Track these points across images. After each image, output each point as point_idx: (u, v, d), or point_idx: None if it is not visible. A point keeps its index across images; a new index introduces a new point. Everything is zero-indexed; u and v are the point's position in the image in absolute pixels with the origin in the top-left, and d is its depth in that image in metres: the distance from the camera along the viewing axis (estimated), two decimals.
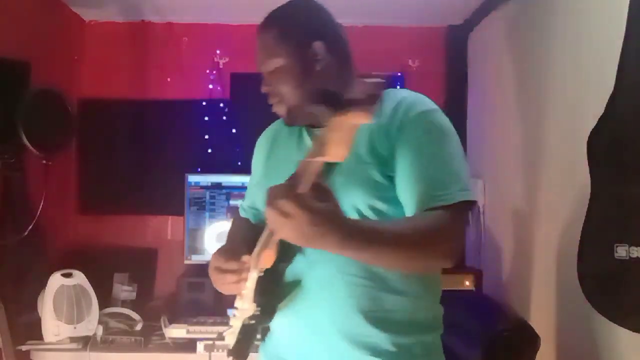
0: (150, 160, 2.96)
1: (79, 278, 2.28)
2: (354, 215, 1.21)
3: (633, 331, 1.42)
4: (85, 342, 2.22)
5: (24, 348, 2.18)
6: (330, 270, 1.23)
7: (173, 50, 3.01)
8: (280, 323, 1.29)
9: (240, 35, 3.00)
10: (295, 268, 1.26)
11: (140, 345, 2.24)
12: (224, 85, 3.01)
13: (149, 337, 2.30)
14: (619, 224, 1.35)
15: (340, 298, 1.24)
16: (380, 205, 1.22)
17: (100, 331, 2.25)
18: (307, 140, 1.36)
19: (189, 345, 2.21)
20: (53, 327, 2.20)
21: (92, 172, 2.96)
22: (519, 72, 2.39)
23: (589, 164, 1.45)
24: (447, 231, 1.15)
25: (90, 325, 2.25)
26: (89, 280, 2.31)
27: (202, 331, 2.21)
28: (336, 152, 0.93)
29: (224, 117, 2.98)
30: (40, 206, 2.30)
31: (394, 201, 1.23)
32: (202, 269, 2.70)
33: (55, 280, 2.23)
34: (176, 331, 2.24)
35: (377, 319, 1.23)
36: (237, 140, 2.94)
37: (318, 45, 1.31)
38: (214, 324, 2.25)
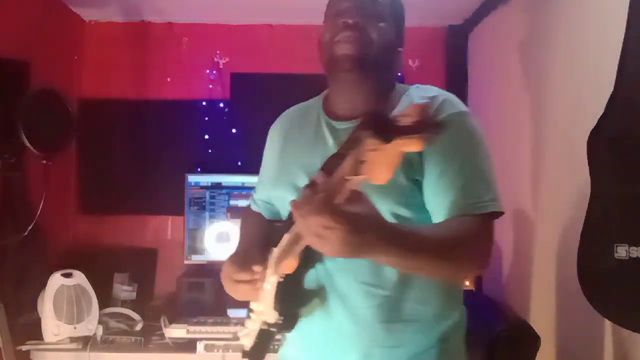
0: (150, 160, 2.96)
1: (79, 278, 2.28)
2: None
3: (633, 331, 1.42)
4: (85, 342, 2.22)
5: (24, 348, 2.17)
6: (347, 279, 1.20)
7: (173, 50, 3.01)
8: (299, 331, 1.24)
9: (240, 35, 3.00)
10: (314, 275, 1.22)
11: (140, 345, 2.24)
12: (224, 85, 3.01)
13: (149, 337, 2.30)
14: (619, 224, 1.35)
15: (358, 307, 1.20)
16: (404, 212, 1.16)
17: (100, 331, 2.25)
18: (327, 135, 1.31)
19: (189, 345, 2.21)
20: (53, 327, 2.20)
21: (92, 172, 2.96)
22: (519, 72, 2.38)
23: (589, 164, 1.45)
24: (483, 240, 1.14)
25: (90, 325, 2.25)
26: (89, 280, 2.31)
27: (202, 331, 2.21)
28: (379, 176, 0.88)
29: (224, 117, 2.98)
30: (40, 206, 2.30)
31: (418, 207, 1.18)
32: (202, 269, 2.70)
33: (55, 280, 2.23)
34: (176, 331, 2.24)
35: (395, 329, 1.20)
36: (237, 140, 2.94)
37: (402, 34, 1.33)
38: (214, 324, 2.25)
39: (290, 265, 1.17)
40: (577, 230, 1.46)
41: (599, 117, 1.43)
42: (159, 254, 2.92)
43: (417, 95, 1.28)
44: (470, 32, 2.98)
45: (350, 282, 1.20)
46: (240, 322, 2.22)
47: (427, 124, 0.82)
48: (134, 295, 2.57)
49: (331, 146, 1.28)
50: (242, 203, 2.73)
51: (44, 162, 2.35)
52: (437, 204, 1.15)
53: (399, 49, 1.32)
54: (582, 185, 1.49)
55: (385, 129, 0.81)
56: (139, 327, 2.36)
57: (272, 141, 1.48)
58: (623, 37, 1.38)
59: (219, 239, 2.72)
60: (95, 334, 2.24)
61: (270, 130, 1.50)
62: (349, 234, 0.91)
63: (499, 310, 2.09)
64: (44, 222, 2.36)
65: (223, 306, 2.62)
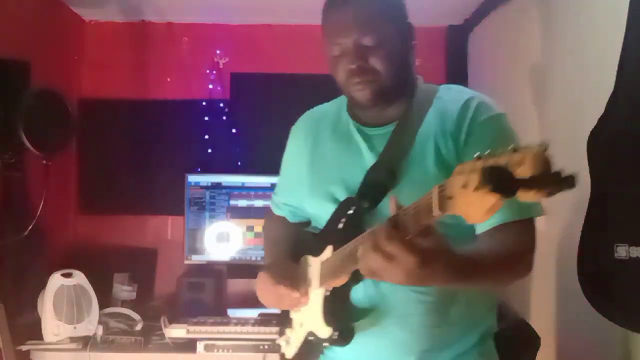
0: (150, 160, 2.96)
1: (79, 278, 2.28)
2: None
3: (633, 331, 1.42)
4: (85, 342, 2.22)
5: (24, 348, 2.17)
6: (397, 288, 1.18)
7: (173, 50, 3.01)
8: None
9: (240, 35, 3.00)
10: (361, 287, 1.22)
11: (140, 345, 2.24)
12: (224, 85, 3.01)
13: (149, 337, 2.30)
14: (619, 224, 1.35)
15: (408, 315, 1.21)
16: (447, 220, 1.09)
17: (100, 331, 2.25)
18: (360, 141, 1.30)
19: (189, 345, 2.21)
20: (53, 327, 2.20)
21: (92, 172, 2.96)
22: (519, 72, 2.39)
23: (589, 164, 1.45)
24: (529, 248, 1.19)
25: (90, 325, 2.25)
26: (89, 280, 2.31)
27: (202, 331, 2.21)
28: (476, 217, 0.80)
29: (224, 117, 2.98)
30: (40, 206, 2.30)
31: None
32: (202, 269, 2.70)
33: (55, 280, 2.23)
34: (176, 331, 2.23)
35: (443, 332, 1.23)
36: (237, 140, 2.94)
37: (411, 26, 1.29)
38: (214, 324, 2.25)
39: (341, 279, 1.17)
40: (577, 230, 1.46)
41: (599, 117, 1.43)
42: (159, 254, 2.92)
43: (449, 97, 1.27)
44: (470, 32, 2.98)
45: (399, 292, 1.19)
46: (240, 322, 2.23)
47: (553, 179, 0.72)
48: (134, 295, 2.57)
49: (366, 154, 1.28)
50: (242, 203, 2.73)
51: (44, 162, 2.35)
52: None
53: (411, 46, 1.30)
54: (582, 185, 1.49)
55: (507, 183, 0.73)
56: (139, 327, 2.36)
57: (297, 145, 1.44)
58: (623, 37, 1.38)
59: (219, 239, 2.72)
60: (95, 334, 2.24)
61: (293, 133, 1.47)
62: (414, 267, 0.92)
63: (498, 310, 2.08)
64: (44, 222, 2.36)
65: (223, 306, 2.63)
